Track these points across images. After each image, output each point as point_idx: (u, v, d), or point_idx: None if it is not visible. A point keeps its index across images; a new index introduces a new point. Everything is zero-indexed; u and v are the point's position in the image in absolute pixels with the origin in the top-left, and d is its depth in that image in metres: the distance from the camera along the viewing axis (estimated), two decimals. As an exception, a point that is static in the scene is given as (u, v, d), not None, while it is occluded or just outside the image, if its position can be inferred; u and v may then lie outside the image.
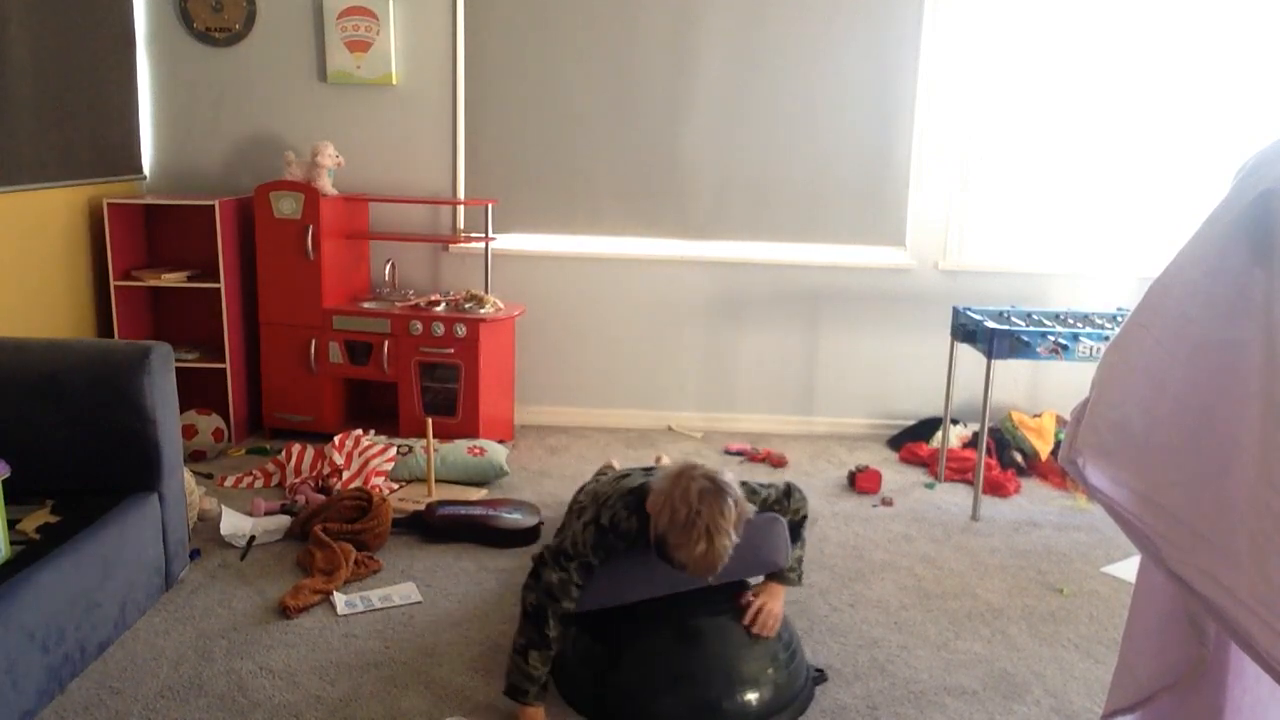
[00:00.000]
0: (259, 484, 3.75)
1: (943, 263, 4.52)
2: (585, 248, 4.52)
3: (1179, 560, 1.26)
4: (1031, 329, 3.57)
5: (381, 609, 2.79)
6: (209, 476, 3.79)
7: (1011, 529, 3.57)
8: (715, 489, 2.12)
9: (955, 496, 3.90)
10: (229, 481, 3.74)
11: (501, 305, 4.27)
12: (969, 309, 3.87)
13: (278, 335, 4.22)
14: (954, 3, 4.30)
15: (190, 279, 4.16)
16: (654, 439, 4.27)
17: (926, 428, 4.48)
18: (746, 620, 2.34)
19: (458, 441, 3.92)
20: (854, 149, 4.44)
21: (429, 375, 4.20)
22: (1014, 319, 3.79)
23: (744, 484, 2.31)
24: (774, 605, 2.37)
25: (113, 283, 4.05)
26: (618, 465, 3.56)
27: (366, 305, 4.26)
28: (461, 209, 4.55)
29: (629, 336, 4.61)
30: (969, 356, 3.89)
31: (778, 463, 4.21)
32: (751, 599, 2.38)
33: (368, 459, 3.72)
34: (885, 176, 4.47)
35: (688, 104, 4.41)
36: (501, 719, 2.29)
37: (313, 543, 3.07)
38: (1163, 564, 1.29)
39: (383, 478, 3.69)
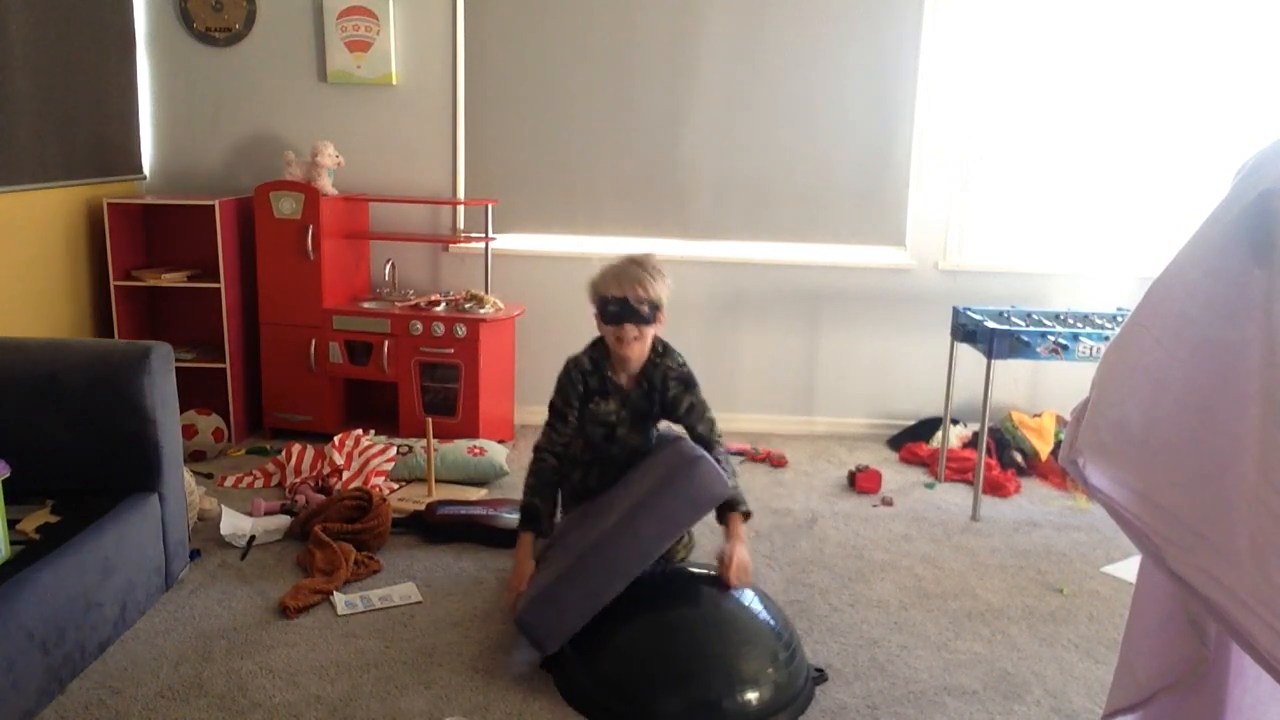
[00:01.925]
0: (259, 484, 3.75)
1: (943, 263, 4.52)
2: (585, 248, 4.52)
3: (1179, 560, 1.26)
4: (1031, 329, 3.57)
5: (381, 609, 2.79)
6: (209, 476, 3.79)
7: (1011, 529, 3.57)
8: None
9: (955, 496, 3.90)
10: (229, 481, 3.74)
11: (501, 305, 4.27)
12: (969, 309, 3.88)
13: (278, 335, 4.22)
14: (954, 3, 4.30)
15: (190, 279, 4.16)
16: (654, 439, 4.27)
17: (926, 428, 4.48)
18: (728, 576, 2.49)
19: (458, 441, 3.92)
20: (854, 149, 4.44)
21: (429, 375, 4.20)
22: (1014, 319, 3.79)
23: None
24: (741, 552, 2.54)
25: (113, 283, 4.05)
26: None
27: (366, 305, 4.26)
28: (461, 209, 4.55)
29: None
30: (969, 356, 3.89)
31: (778, 462, 4.21)
32: (722, 557, 2.53)
33: (368, 459, 3.72)
34: (885, 176, 4.47)
35: (688, 104, 4.41)
36: (501, 718, 2.29)
37: (313, 543, 3.07)
38: (1163, 564, 1.29)
39: (383, 478, 3.69)
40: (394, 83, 4.39)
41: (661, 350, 2.79)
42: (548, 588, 2.46)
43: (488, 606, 2.84)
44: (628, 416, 2.78)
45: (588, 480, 2.84)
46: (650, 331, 2.70)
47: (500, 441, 4.14)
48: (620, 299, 2.64)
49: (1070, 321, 3.81)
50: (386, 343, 4.13)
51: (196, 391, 4.07)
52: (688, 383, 2.78)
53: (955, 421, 4.32)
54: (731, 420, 4.66)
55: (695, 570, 2.62)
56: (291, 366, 4.22)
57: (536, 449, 2.78)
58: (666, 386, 2.76)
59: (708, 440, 2.75)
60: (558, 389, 2.79)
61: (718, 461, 2.57)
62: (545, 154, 4.48)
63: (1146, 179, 4.44)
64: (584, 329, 4.75)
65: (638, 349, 2.70)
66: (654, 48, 4.37)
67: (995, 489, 3.90)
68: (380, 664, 2.50)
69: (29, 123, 3.60)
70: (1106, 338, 3.51)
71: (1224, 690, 1.38)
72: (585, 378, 2.77)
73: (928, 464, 4.24)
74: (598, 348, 2.80)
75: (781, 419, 4.69)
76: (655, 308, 2.67)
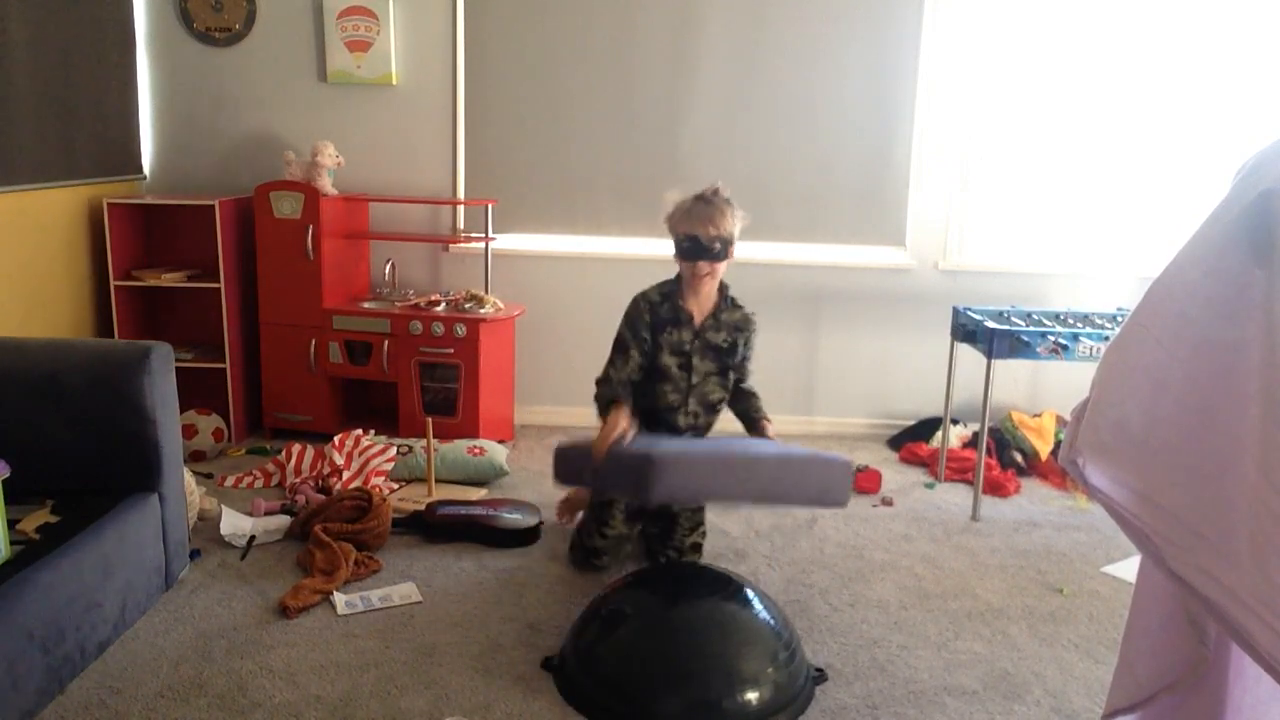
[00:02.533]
0: (259, 484, 3.75)
1: (943, 263, 4.52)
2: (585, 248, 4.52)
3: (1179, 560, 1.26)
4: (1031, 329, 3.57)
5: (381, 609, 2.79)
6: (209, 476, 3.79)
7: (1011, 529, 3.57)
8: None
9: (955, 496, 3.90)
10: (229, 481, 3.74)
11: (501, 305, 4.27)
12: (969, 309, 3.88)
13: (278, 335, 4.22)
14: (954, 3, 4.30)
15: (190, 279, 4.16)
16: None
17: (926, 428, 4.48)
18: (769, 433, 2.97)
19: (458, 441, 3.92)
20: (854, 149, 4.44)
21: (429, 375, 4.19)
22: (1014, 319, 3.79)
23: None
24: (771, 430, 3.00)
25: (113, 283, 4.05)
26: None
27: (366, 305, 4.26)
28: (461, 209, 4.55)
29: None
30: (969, 356, 3.89)
31: (778, 463, 4.21)
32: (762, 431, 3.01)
33: (368, 459, 3.72)
34: (885, 176, 4.47)
35: (688, 104, 4.41)
36: (501, 718, 2.29)
37: (313, 543, 3.07)
38: (1163, 564, 1.29)
39: (383, 478, 3.69)
40: (394, 83, 4.39)
41: (731, 301, 3.02)
42: (684, 454, 2.56)
43: (488, 606, 2.84)
44: (700, 346, 2.95)
45: (664, 409, 2.98)
46: (721, 267, 2.90)
47: (500, 441, 4.14)
48: (692, 236, 2.83)
49: (1070, 321, 3.81)
50: (386, 343, 4.13)
51: (196, 391, 4.07)
52: (751, 340, 3.06)
53: (955, 421, 4.32)
54: (732, 420, 4.65)
55: (695, 570, 2.62)
56: (291, 366, 4.22)
57: (597, 382, 2.90)
58: (739, 338, 3.01)
59: (751, 391, 3.12)
60: (625, 322, 2.94)
61: (759, 403, 3.08)
62: (545, 154, 4.48)
63: (1146, 179, 4.44)
64: (584, 329, 4.76)
65: (709, 283, 2.92)
66: (654, 48, 4.37)
67: (995, 489, 3.90)
68: (380, 664, 2.50)
69: (29, 123, 3.60)
70: (1106, 338, 3.51)
71: (1224, 690, 1.38)
72: (654, 308, 2.93)
73: (928, 464, 4.24)
74: (668, 283, 2.99)
75: (781, 419, 4.63)
76: (726, 243, 2.85)
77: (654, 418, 2.98)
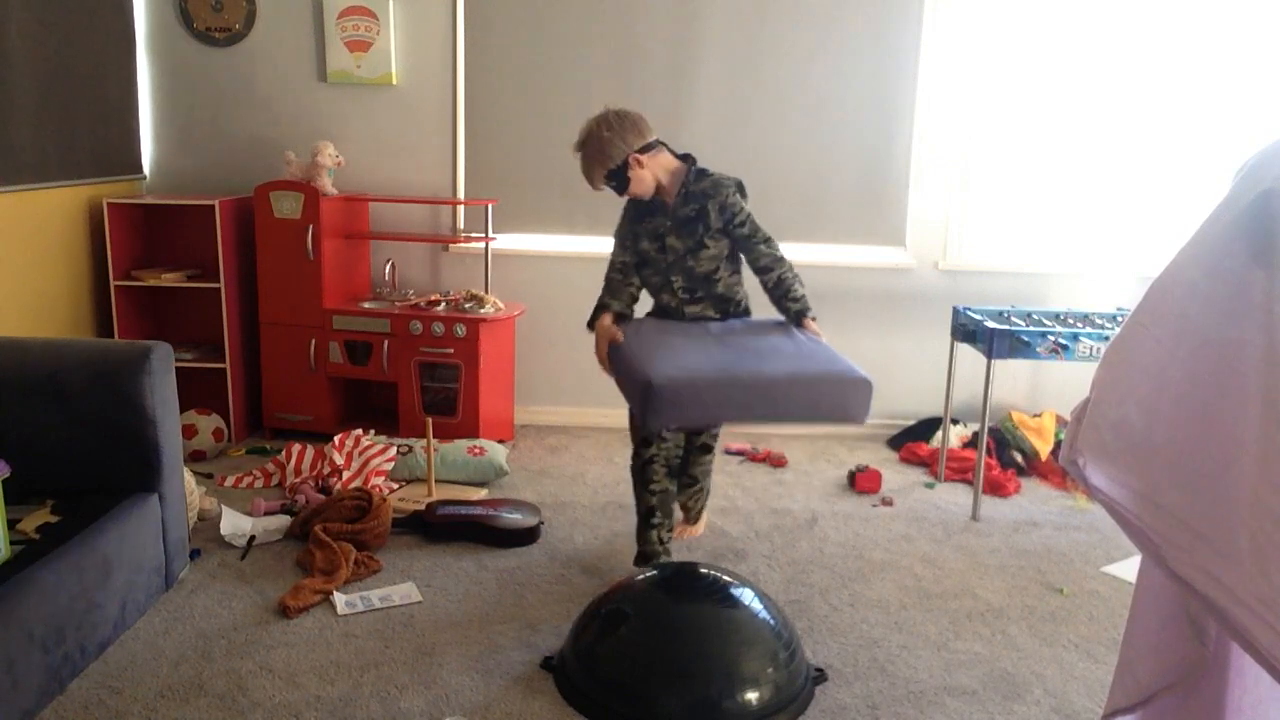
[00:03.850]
0: (259, 484, 3.75)
1: (943, 263, 4.52)
2: (585, 248, 4.52)
3: (1179, 560, 1.26)
4: (1031, 329, 3.57)
5: (381, 609, 2.79)
6: (209, 476, 3.79)
7: (1011, 529, 3.57)
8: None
9: (955, 496, 3.90)
10: (229, 481, 3.74)
11: (501, 305, 4.27)
12: (969, 309, 3.88)
13: (278, 335, 4.22)
14: (954, 3, 4.30)
15: (190, 279, 4.16)
16: (654, 439, 4.27)
17: (926, 428, 4.48)
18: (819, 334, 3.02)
19: (458, 441, 3.92)
20: (854, 149, 4.44)
21: (429, 375, 4.20)
22: (1014, 319, 3.79)
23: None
24: (818, 330, 3.07)
25: (113, 282, 4.05)
26: None
27: (366, 305, 4.26)
28: (461, 209, 4.55)
29: (629, 336, 4.61)
30: (969, 356, 3.89)
31: (778, 462, 4.21)
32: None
33: (368, 459, 3.72)
34: (885, 176, 4.47)
35: (688, 104, 4.41)
36: (501, 718, 2.29)
37: (313, 543, 3.07)
38: (1163, 564, 1.29)
39: (383, 478, 3.69)
40: (394, 83, 4.39)
41: (699, 173, 3.04)
42: (695, 374, 2.59)
43: (488, 606, 2.84)
44: (674, 225, 3.02)
45: (656, 291, 3.12)
46: (635, 175, 2.97)
47: (500, 441, 4.14)
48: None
49: (1070, 321, 3.81)
50: (386, 343, 4.13)
51: (196, 391, 4.07)
52: (729, 203, 3.00)
53: (955, 421, 4.32)
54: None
55: (695, 570, 2.62)
56: (291, 366, 4.22)
57: (607, 269, 3.14)
58: (707, 203, 3.00)
59: (774, 262, 3.02)
60: (620, 219, 3.17)
61: (793, 281, 3.02)
62: (545, 154, 4.48)
63: (1146, 179, 4.43)
64: (584, 329, 4.78)
65: (637, 188, 3.00)
66: (654, 48, 4.37)
67: (995, 489, 3.90)
68: (380, 664, 2.50)
69: (29, 123, 3.60)
70: (1106, 338, 3.51)
71: (1224, 690, 1.38)
72: (635, 204, 3.09)
73: (928, 464, 4.24)
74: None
75: (781, 419, 4.68)
76: (613, 174, 2.96)
77: (656, 304, 3.15)
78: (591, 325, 3.06)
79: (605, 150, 2.93)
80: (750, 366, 2.65)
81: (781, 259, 3.03)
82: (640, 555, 3.03)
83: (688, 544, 3.34)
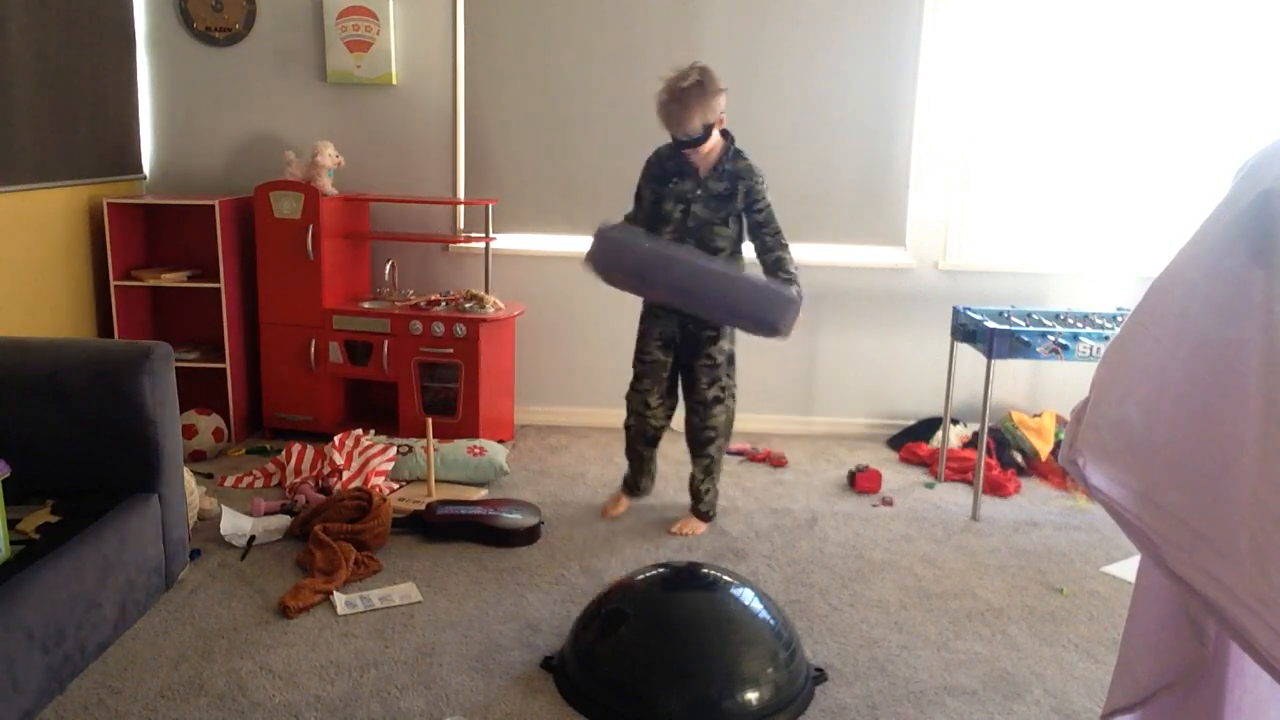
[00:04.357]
0: (259, 484, 3.75)
1: (943, 263, 4.52)
2: (585, 248, 4.51)
3: (1179, 560, 1.26)
4: (1031, 329, 3.57)
5: (381, 609, 2.79)
6: (209, 476, 3.79)
7: (1011, 529, 3.57)
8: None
9: (955, 496, 3.90)
10: (229, 481, 3.74)
11: (501, 305, 4.27)
12: (969, 309, 3.88)
13: (278, 335, 4.22)
14: (954, 3, 4.30)
15: (190, 279, 4.16)
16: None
17: (926, 428, 4.48)
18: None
19: (458, 441, 3.92)
20: (854, 149, 4.44)
21: (429, 375, 4.19)
22: (1014, 319, 3.79)
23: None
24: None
25: (113, 282, 4.05)
26: None
27: (366, 305, 4.26)
28: (461, 209, 4.55)
29: (629, 336, 4.59)
30: (969, 356, 3.89)
31: (778, 462, 4.21)
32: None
33: (368, 459, 3.72)
34: (885, 176, 4.47)
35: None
36: (501, 719, 2.29)
37: (313, 543, 3.07)
38: (1163, 564, 1.29)
39: (383, 478, 3.69)
40: (394, 83, 4.39)
41: (736, 153, 3.23)
42: (632, 240, 3.04)
43: (487, 606, 2.84)
44: (703, 195, 3.21)
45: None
46: (707, 144, 3.13)
47: (500, 441, 4.14)
48: (675, 135, 3.12)
49: (1070, 321, 3.81)
50: (386, 343, 4.13)
51: (196, 391, 4.07)
52: (755, 190, 3.22)
53: (955, 421, 4.32)
54: (731, 420, 4.66)
55: (695, 570, 2.62)
56: (291, 366, 4.22)
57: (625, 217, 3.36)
58: (738, 185, 3.21)
59: (776, 245, 3.21)
60: (641, 173, 3.33)
61: (788, 261, 3.18)
62: (545, 154, 4.48)
63: (1146, 179, 4.43)
64: (584, 329, 4.77)
65: (700, 159, 3.19)
66: (654, 47, 4.37)
67: (995, 489, 3.90)
68: (380, 664, 2.50)
69: (29, 123, 3.60)
70: (1106, 338, 3.51)
71: (1224, 690, 1.38)
72: (662, 161, 3.26)
73: (928, 464, 4.24)
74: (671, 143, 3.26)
75: (781, 419, 4.69)
76: (707, 128, 3.09)
77: None
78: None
79: (713, 103, 3.08)
80: (687, 255, 3.05)
81: (785, 247, 3.22)
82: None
83: (688, 544, 3.34)
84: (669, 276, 3.00)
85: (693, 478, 3.48)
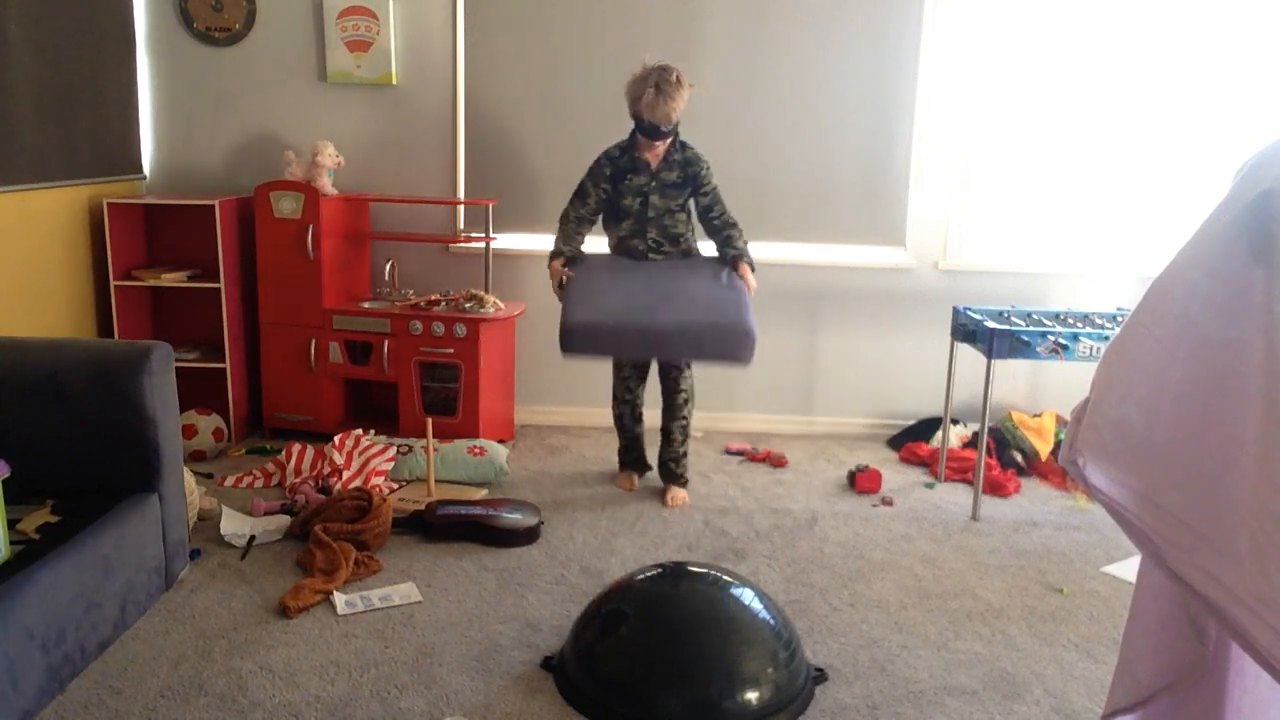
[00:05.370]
0: (259, 484, 3.75)
1: (943, 263, 4.52)
2: (585, 247, 4.51)
3: (1179, 560, 1.26)
4: (1031, 329, 3.57)
5: (381, 609, 2.79)
6: (209, 476, 3.79)
7: (1011, 529, 3.57)
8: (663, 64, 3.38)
9: (955, 496, 3.90)
10: (229, 481, 3.74)
11: (501, 305, 4.27)
12: (969, 309, 3.88)
13: (278, 335, 4.22)
14: (954, 3, 4.30)
15: (190, 279, 4.16)
16: (654, 438, 4.27)
17: (926, 428, 4.48)
18: (750, 284, 3.51)
19: (458, 441, 3.92)
20: (854, 149, 4.44)
21: (429, 375, 4.20)
22: (1014, 319, 3.79)
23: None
24: (750, 276, 3.53)
25: (113, 282, 4.05)
26: None
27: (366, 305, 4.26)
28: (461, 209, 4.55)
29: (629, 336, 4.61)
30: (969, 356, 3.89)
31: (778, 462, 4.21)
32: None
33: (368, 459, 3.72)
34: (885, 176, 4.47)
35: (688, 103, 4.40)
36: (501, 718, 2.29)
37: (313, 543, 3.07)
38: (1163, 564, 1.29)
39: (383, 478, 3.69)
40: (394, 83, 4.39)
41: (681, 144, 3.54)
42: (601, 321, 3.25)
43: (487, 606, 2.84)
44: (658, 186, 3.53)
45: (627, 237, 3.60)
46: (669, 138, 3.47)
47: (500, 441, 4.14)
48: (652, 123, 3.37)
49: (1070, 321, 3.81)
50: (386, 342, 4.13)
51: (196, 391, 4.07)
52: (703, 175, 3.56)
53: (955, 421, 4.32)
54: (731, 420, 4.67)
55: (695, 570, 2.62)
56: (291, 366, 4.22)
57: (561, 217, 3.62)
58: (689, 171, 3.54)
59: (724, 225, 3.57)
60: (587, 173, 3.58)
61: (737, 237, 3.56)
62: (545, 154, 4.48)
63: (1146, 178, 4.44)
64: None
65: (653, 153, 3.49)
66: (654, 47, 4.35)
67: (995, 489, 3.90)
68: (380, 664, 2.50)
69: (29, 123, 3.60)
70: (1106, 338, 3.51)
71: (1224, 690, 1.38)
72: (613, 162, 3.54)
73: (928, 464, 4.24)
74: (626, 140, 3.55)
75: (781, 419, 4.69)
76: (677, 124, 3.44)
77: (621, 245, 3.62)
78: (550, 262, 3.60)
79: (686, 98, 3.40)
80: (647, 318, 3.24)
81: (734, 225, 3.57)
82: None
83: (688, 544, 3.34)
84: (643, 343, 3.34)
85: (667, 450, 3.77)
